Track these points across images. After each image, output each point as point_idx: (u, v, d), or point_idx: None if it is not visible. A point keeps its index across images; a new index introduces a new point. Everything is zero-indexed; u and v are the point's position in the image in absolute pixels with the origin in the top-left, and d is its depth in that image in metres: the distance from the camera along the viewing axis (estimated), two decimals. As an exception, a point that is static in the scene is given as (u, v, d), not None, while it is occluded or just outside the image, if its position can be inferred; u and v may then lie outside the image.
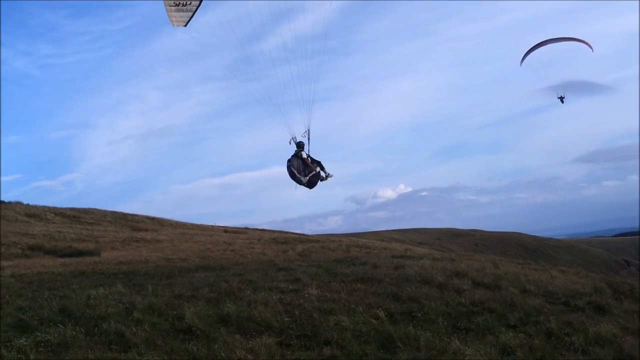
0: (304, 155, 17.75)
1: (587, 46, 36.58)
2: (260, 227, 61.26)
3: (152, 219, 52.97)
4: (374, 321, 12.89)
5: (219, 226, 55.46)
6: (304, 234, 55.70)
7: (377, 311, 13.61)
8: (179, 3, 15.80)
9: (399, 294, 15.56)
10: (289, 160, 17.72)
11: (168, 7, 16.00)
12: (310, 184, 17.84)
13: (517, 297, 15.86)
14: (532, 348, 11.50)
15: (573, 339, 12.09)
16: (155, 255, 28.17)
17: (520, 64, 37.52)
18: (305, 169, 17.65)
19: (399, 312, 13.92)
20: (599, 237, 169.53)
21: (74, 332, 11.38)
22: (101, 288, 16.08)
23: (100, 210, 52.55)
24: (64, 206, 52.38)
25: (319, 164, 17.69)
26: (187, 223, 54.23)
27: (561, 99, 41.80)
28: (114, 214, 52.14)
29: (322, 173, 18.03)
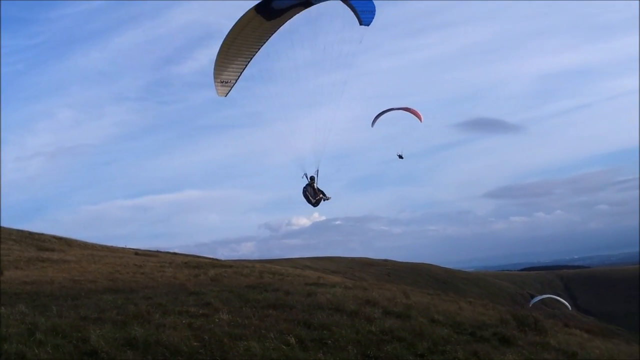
0: (315, 187, 23.28)
1: (417, 117, 39.94)
2: (172, 251, 60.31)
3: (60, 238, 51.25)
4: (285, 347, 12.81)
5: (129, 248, 54.31)
6: (216, 259, 55.03)
7: (288, 337, 13.52)
8: (223, 81, 21.16)
9: (310, 321, 15.51)
10: (304, 188, 23.36)
11: (215, 82, 21.10)
12: (316, 204, 23.58)
13: (426, 326, 16.09)
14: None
15: (479, 368, 12.35)
16: (61, 276, 27.24)
17: (372, 126, 39.78)
18: (314, 195, 23.40)
19: (310, 338, 13.87)
20: (506, 270, 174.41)
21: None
22: (2, 308, 15.45)
23: (5, 229, 50.45)
24: (-35, 223, 50.09)
25: (322, 192, 23.39)
26: (97, 244, 52.78)
27: (400, 156, 43.91)
28: (20, 232, 50.14)
29: (324, 198, 23.57)
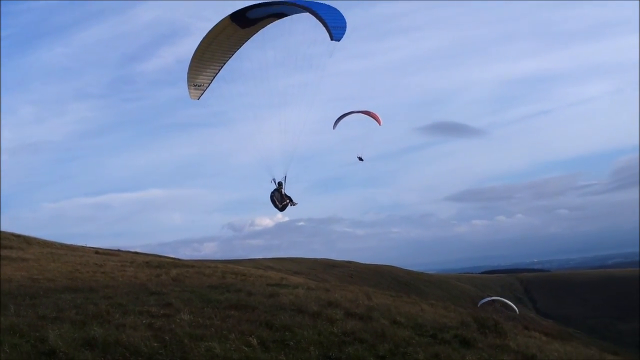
0: (283, 192, 23.41)
1: (376, 121, 40.63)
2: (133, 250, 59.58)
3: (18, 236, 50.28)
4: (246, 348, 12.76)
5: (90, 247, 53.51)
6: (178, 259, 54.56)
7: (250, 338, 13.48)
8: (196, 84, 21.71)
9: (272, 322, 15.49)
10: (272, 193, 23.56)
11: (189, 86, 21.71)
12: (283, 209, 23.74)
13: (388, 328, 16.17)
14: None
15: (439, 370, 12.43)
16: (19, 275, 26.74)
17: (333, 128, 40.32)
18: (281, 200, 23.55)
19: (272, 340, 13.84)
20: (467, 273, 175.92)
21: None
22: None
23: (-39, 226, 49.40)
24: None
25: (289, 197, 23.56)
26: (56, 242, 51.89)
27: (360, 158, 44.57)
28: (-23, 230, 49.14)
29: (291, 203, 23.78)
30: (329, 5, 19.43)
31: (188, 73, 21.57)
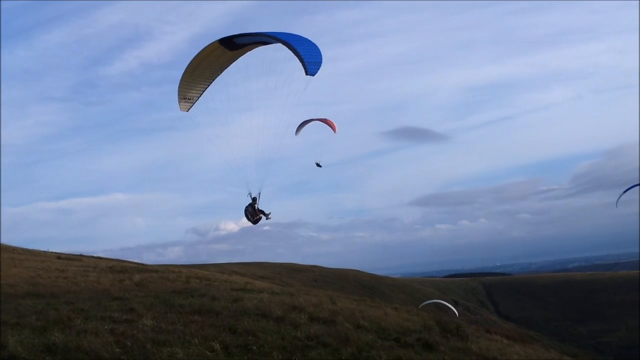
0: (256, 207, 24.29)
1: (331, 128, 41.92)
2: (96, 255, 58.86)
3: (-22, 241, 49.49)
4: (209, 353, 12.75)
5: (51, 252, 52.76)
6: (142, 264, 54.11)
7: (213, 343, 13.47)
8: (186, 98, 23.03)
9: (235, 327, 15.48)
10: (246, 207, 24.43)
11: (179, 99, 22.96)
12: (255, 222, 24.64)
13: (351, 332, 16.28)
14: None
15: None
16: (-22, 280, 26.32)
17: (296, 134, 40.95)
18: (254, 214, 24.41)
19: (235, 344, 13.84)
20: (431, 277, 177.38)
21: None
22: None
23: None
24: None
25: (262, 211, 24.44)
26: (17, 247, 51.12)
27: (318, 164, 45.33)
28: None
29: (264, 217, 24.64)
30: (307, 41, 20.34)
31: (179, 87, 22.89)
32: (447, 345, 16.40)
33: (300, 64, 19.64)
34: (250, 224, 24.65)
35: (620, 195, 45.38)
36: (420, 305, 43.70)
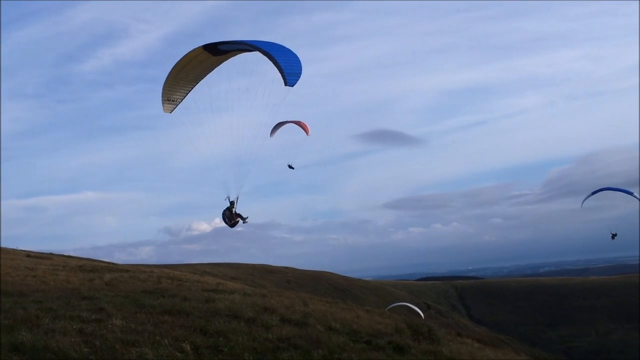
0: (234, 211, 24.62)
1: (304, 131, 42.91)
2: (66, 254, 58.18)
3: (-54, 238, 48.77)
4: (179, 354, 12.65)
5: (21, 250, 52.12)
6: (113, 263, 53.62)
7: (183, 344, 13.35)
8: (170, 99, 23.43)
9: (206, 328, 15.39)
10: (223, 211, 24.80)
11: (163, 101, 23.33)
12: (233, 226, 25.03)
13: (323, 334, 16.25)
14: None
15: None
16: (-55, 278, 25.90)
17: (270, 136, 41.32)
18: (231, 218, 24.71)
19: (205, 345, 13.75)
20: (403, 280, 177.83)
21: None
22: None
23: None
24: None
25: (240, 215, 24.79)
26: (-14, 245, 50.47)
27: (290, 166, 45.72)
28: None
29: (241, 220, 25.00)
30: (288, 51, 20.81)
31: (163, 89, 23.33)
32: (418, 348, 16.44)
33: (280, 74, 20.05)
34: (226, 226, 24.82)
35: (587, 197, 45.89)
36: (387, 308, 43.84)
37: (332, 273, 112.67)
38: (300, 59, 20.61)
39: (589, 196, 45.60)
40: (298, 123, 42.00)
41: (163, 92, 23.44)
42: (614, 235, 47.94)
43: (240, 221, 25.16)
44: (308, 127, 42.20)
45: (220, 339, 14.41)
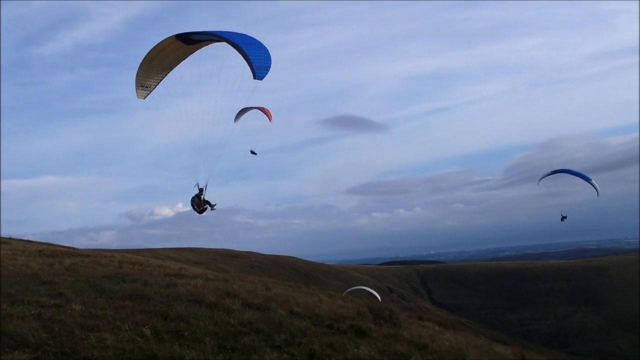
0: (202, 198, 24.48)
1: (267, 117, 42.80)
2: (26, 238, 57.34)
3: None
4: (139, 339, 12.54)
5: (-22, 235, 51.24)
6: (73, 248, 52.99)
7: (144, 329, 13.26)
8: (144, 86, 23.38)
9: (167, 313, 15.31)
10: (192, 198, 24.62)
11: (136, 87, 23.26)
12: (201, 212, 24.82)
13: (285, 318, 16.31)
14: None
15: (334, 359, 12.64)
16: None
17: (235, 122, 41.35)
18: (200, 205, 24.50)
19: (166, 330, 13.68)
20: (366, 264, 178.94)
21: None
22: None
23: None
24: None
25: (208, 202, 24.59)
26: (-58, 230, 49.58)
27: (252, 152, 46.10)
28: None
29: (210, 207, 24.77)
30: (259, 44, 20.69)
31: (137, 75, 23.25)
32: (379, 332, 16.59)
33: (249, 66, 19.94)
34: (192, 211, 24.73)
35: (546, 175, 46.41)
36: (345, 292, 44.09)
37: (295, 258, 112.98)
38: (269, 52, 20.57)
39: (548, 174, 46.10)
40: (261, 109, 42.03)
41: (137, 79, 23.46)
42: (563, 217, 48.52)
43: (209, 208, 25.07)
44: (271, 113, 42.25)
45: (182, 323, 14.35)
